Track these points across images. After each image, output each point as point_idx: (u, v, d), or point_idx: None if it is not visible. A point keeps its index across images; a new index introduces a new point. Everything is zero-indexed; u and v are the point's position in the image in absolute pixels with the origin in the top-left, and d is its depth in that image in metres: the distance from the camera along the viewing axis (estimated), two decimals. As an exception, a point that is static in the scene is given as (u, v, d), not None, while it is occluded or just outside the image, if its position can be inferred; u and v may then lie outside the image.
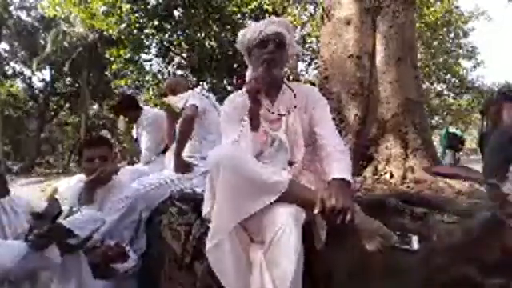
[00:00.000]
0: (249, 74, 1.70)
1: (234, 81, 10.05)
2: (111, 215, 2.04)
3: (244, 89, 1.69)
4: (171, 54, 9.99)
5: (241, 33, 1.68)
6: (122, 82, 10.35)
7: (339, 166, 1.41)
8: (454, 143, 7.79)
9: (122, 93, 13.64)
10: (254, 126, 1.46)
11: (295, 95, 1.59)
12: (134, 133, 3.43)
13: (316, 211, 1.23)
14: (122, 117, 3.34)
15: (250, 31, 1.62)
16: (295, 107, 1.56)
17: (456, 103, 18.81)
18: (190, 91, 2.77)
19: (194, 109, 2.57)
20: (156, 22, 9.22)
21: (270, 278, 1.21)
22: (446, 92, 19.01)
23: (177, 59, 10.19)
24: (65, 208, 1.82)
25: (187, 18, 9.42)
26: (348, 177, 1.37)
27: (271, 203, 1.28)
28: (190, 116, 2.55)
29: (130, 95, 4.89)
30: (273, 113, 1.58)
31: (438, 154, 3.71)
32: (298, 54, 1.76)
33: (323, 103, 1.67)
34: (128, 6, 8.94)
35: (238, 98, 1.67)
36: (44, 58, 17.56)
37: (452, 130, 8.24)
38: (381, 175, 2.54)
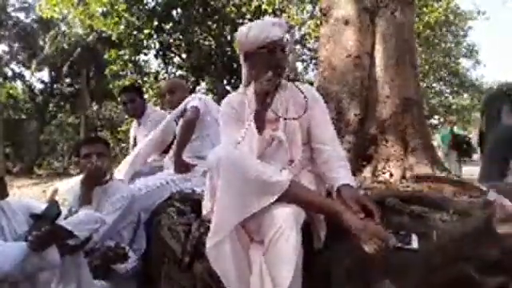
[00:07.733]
0: (244, 73, 1.68)
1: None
2: (110, 215, 2.03)
3: (241, 89, 1.69)
4: (170, 54, 9.98)
5: (242, 32, 1.62)
6: (121, 83, 10.31)
7: (346, 173, 1.50)
8: (461, 145, 6.97)
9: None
10: (260, 127, 1.46)
11: (303, 93, 1.58)
12: (131, 133, 3.42)
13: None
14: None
15: (253, 33, 1.57)
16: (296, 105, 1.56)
17: (455, 102, 18.81)
18: (189, 97, 2.77)
19: (195, 111, 2.58)
20: (155, 23, 9.21)
21: (270, 278, 1.21)
22: (446, 90, 19.01)
23: (176, 59, 10.18)
24: (64, 209, 1.82)
25: (186, 18, 9.42)
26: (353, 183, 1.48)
27: (271, 203, 1.28)
28: (192, 118, 2.57)
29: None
30: (273, 112, 1.58)
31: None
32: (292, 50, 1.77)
33: (322, 104, 1.68)
34: (126, 6, 8.93)
35: (236, 98, 1.67)
36: (43, 59, 17.54)
37: (458, 131, 7.48)
38: (380, 174, 2.54)
